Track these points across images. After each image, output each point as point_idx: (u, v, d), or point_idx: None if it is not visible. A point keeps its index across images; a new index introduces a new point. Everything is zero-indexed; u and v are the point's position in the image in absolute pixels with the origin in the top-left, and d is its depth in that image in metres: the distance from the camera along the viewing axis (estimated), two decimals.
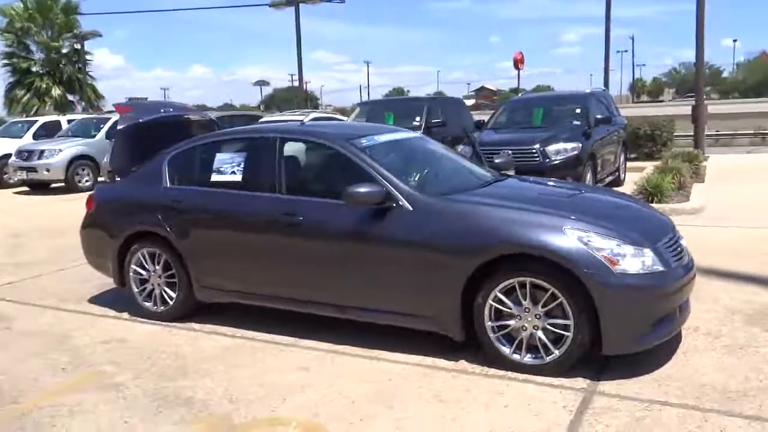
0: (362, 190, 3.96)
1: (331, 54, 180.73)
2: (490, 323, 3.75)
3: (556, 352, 3.61)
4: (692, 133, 16.72)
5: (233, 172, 4.67)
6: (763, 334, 4.15)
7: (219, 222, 4.64)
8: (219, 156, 4.79)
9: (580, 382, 3.56)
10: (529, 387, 3.54)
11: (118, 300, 5.51)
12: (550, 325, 3.61)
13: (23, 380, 3.97)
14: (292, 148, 4.62)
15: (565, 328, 3.58)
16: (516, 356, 3.72)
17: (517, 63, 55.30)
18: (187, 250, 4.72)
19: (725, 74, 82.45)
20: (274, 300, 4.52)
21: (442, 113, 11.39)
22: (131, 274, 5.05)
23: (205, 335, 4.63)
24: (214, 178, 4.74)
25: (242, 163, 4.65)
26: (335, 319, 4.40)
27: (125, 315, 5.17)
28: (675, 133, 16.33)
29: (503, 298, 3.70)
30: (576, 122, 9.53)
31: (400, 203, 3.98)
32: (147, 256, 4.96)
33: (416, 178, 4.29)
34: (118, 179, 5.39)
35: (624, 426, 3.08)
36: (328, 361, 4.04)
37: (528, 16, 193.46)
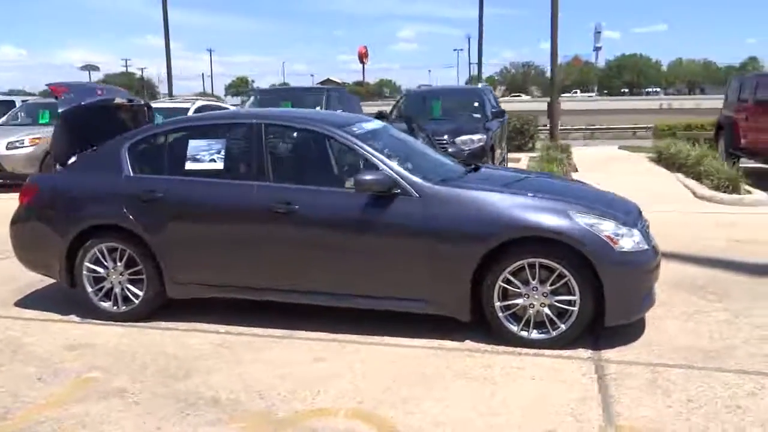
0: (372, 177, 3.98)
1: (163, 39, 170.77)
2: (498, 303, 3.96)
3: (563, 326, 3.90)
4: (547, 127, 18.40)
5: (212, 160, 4.42)
6: (703, 302, 4.78)
7: (200, 213, 4.37)
8: (193, 143, 4.50)
9: (584, 353, 3.89)
10: (543, 360, 3.81)
11: (50, 302, 5.00)
12: (557, 301, 3.90)
13: None
14: (278, 135, 4.48)
15: (570, 303, 3.88)
16: (524, 333, 3.96)
17: (362, 57, 56.11)
18: (160, 244, 4.39)
19: (548, 74, 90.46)
20: (265, 292, 4.37)
21: (340, 103, 11.46)
22: (84, 272, 4.59)
23: (185, 333, 4.35)
24: (190, 166, 4.45)
25: (222, 151, 4.43)
26: (316, 309, 4.37)
27: (74, 318, 4.69)
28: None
29: (511, 278, 3.92)
30: (476, 115, 10.09)
31: (407, 191, 4.05)
32: (106, 252, 4.54)
33: (411, 166, 4.35)
34: (59, 168, 4.86)
35: (645, 387, 3.44)
36: (338, 351, 4.01)
37: (367, 11, 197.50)
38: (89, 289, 4.61)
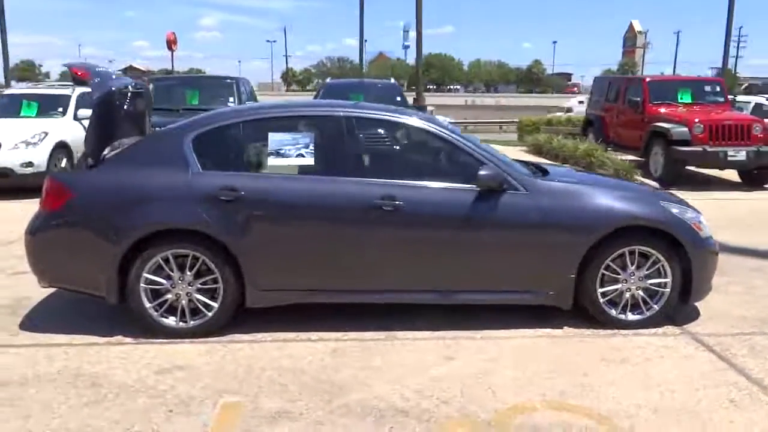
0: (490, 173, 4.00)
1: None
2: (600, 289, 4.21)
3: (655, 306, 4.26)
4: None
5: (301, 155, 4.07)
6: (720, 279, 5.38)
7: (292, 212, 3.99)
8: (274, 136, 4.10)
9: (674, 330, 4.29)
10: (648, 339, 4.12)
11: (67, 322, 4.27)
12: (650, 284, 4.24)
13: None
14: (372, 129, 4.26)
15: (660, 285, 4.24)
16: (621, 316, 4.26)
17: (170, 43, 53.72)
18: (243, 248, 3.95)
19: (364, 69, 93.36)
20: (361, 294, 4.15)
21: (245, 94, 10.89)
22: (142, 285, 3.97)
23: (280, 344, 3.97)
24: (275, 162, 4.05)
25: (311, 145, 4.09)
26: (388, 308, 4.30)
27: (124, 338, 4.03)
28: None
29: (612, 265, 4.19)
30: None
31: (513, 186, 4.11)
32: (172, 260, 3.96)
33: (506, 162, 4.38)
34: (90, 164, 4.12)
35: (751, 353, 3.91)
36: (458, 348, 3.95)
37: None
38: (147, 304, 4.00)
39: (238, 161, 4.14)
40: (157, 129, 4.86)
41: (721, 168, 10.69)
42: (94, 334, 4.08)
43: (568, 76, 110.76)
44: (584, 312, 4.31)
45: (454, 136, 4.24)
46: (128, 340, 4.02)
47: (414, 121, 4.31)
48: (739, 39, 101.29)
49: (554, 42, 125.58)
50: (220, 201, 3.93)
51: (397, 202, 3.99)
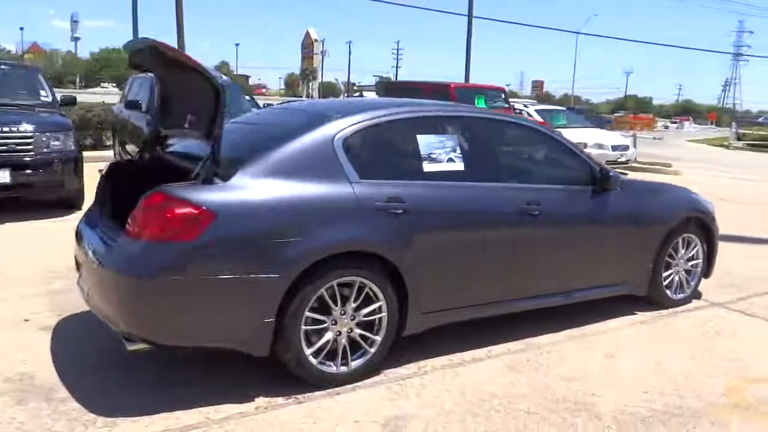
0: (615, 175, 4.18)
1: None
2: (664, 274, 4.72)
3: (692, 284, 4.94)
4: None
5: (451, 160, 3.66)
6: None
7: (456, 222, 3.58)
8: (423, 139, 3.59)
9: (704, 303, 5.00)
10: (704, 313, 4.77)
11: (138, 394, 3.16)
12: (690, 266, 4.91)
13: None
14: (501, 132, 4.04)
15: (695, 266, 4.94)
16: (673, 296, 4.83)
17: None
18: (411, 268, 3.40)
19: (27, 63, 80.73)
20: (505, 304, 3.93)
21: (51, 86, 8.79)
22: (303, 326, 3.14)
23: (450, 370, 3.55)
24: (429, 168, 3.56)
25: (457, 148, 3.70)
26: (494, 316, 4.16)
27: (274, 399, 3.13)
28: None
29: (671, 251, 4.74)
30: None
31: (615, 186, 4.35)
32: (337, 292, 3.22)
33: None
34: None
35: None
36: (601, 343, 4.07)
37: None
38: (307, 351, 3.18)
39: (392, 167, 3.53)
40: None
41: None
42: (219, 403, 3.06)
43: (246, 78, 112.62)
44: (624, 298, 4.68)
45: (566, 140, 4.29)
46: (280, 400, 3.14)
47: (532, 124, 4.25)
48: (398, 52, 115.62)
49: (237, 44, 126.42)
50: (388, 215, 3.33)
51: (540, 206, 3.90)
